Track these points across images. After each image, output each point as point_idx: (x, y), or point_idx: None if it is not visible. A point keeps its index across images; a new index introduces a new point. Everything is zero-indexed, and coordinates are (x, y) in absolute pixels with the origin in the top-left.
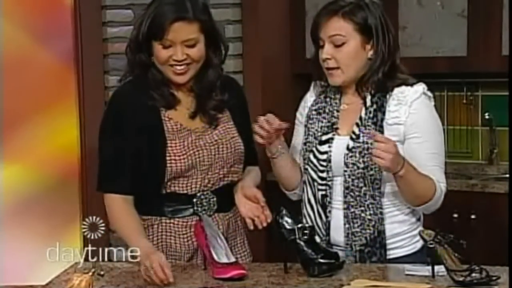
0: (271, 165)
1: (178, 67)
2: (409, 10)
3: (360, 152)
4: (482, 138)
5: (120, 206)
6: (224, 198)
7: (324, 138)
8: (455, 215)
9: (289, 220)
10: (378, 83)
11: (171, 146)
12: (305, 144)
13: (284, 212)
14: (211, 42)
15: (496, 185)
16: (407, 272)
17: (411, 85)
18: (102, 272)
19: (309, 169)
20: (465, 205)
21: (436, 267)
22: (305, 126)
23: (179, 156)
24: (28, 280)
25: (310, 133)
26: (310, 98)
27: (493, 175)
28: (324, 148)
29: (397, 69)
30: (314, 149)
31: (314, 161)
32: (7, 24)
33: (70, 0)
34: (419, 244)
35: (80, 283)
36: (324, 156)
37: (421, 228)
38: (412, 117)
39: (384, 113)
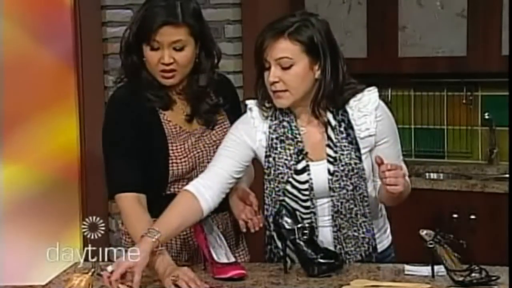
0: None
1: (165, 70)
2: (409, 10)
3: (346, 175)
4: (481, 138)
5: (135, 208)
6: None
7: (299, 167)
8: (455, 215)
9: (289, 220)
10: (334, 100)
11: (172, 149)
12: (276, 175)
13: (283, 212)
14: (202, 47)
15: (495, 185)
16: (407, 272)
17: (362, 90)
18: (102, 272)
19: (288, 200)
20: (465, 205)
21: (436, 267)
22: (268, 156)
23: (180, 159)
24: (28, 280)
25: (279, 163)
26: (261, 122)
27: (492, 175)
28: (303, 177)
29: (345, 83)
30: (291, 179)
31: (294, 192)
32: (7, 24)
33: (70, 0)
34: (390, 238)
35: (80, 283)
36: (306, 186)
37: (387, 224)
38: (379, 125)
39: (353, 128)
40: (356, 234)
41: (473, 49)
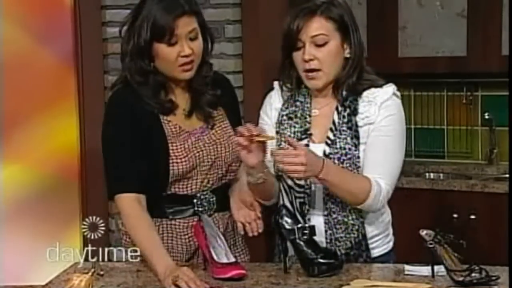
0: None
1: (186, 63)
2: (409, 10)
3: (338, 158)
4: (481, 138)
5: (134, 209)
6: (223, 197)
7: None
8: (455, 215)
9: (289, 220)
10: (351, 85)
11: (172, 149)
12: (279, 150)
13: (283, 212)
14: (204, 36)
15: (495, 185)
16: (407, 272)
17: (380, 86)
18: (102, 272)
19: (285, 176)
20: (465, 205)
21: (436, 267)
22: (277, 132)
23: (180, 158)
24: (28, 280)
25: (283, 139)
26: (277, 99)
27: (492, 175)
28: None
29: (364, 70)
30: None
31: None
32: (7, 24)
33: (70, 0)
34: (391, 243)
35: (80, 283)
36: None
37: (390, 229)
38: (380, 114)
39: (355, 116)
40: (345, 219)
41: (473, 49)
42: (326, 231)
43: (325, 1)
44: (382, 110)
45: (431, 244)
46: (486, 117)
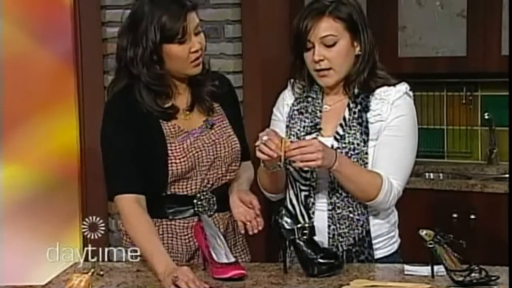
0: (260, 171)
1: (197, 58)
2: (409, 10)
3: (346, 153)
4: (481, 138)
5: (134, 210)
6: (223, 197)
7: (307, 138)
8: (455, 215)
9: (289, 220)
10: (362, 82)
11: (171, 149)
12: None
13: (283, 212)
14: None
15: (495, 185)
16: (406, 272)
17: (394, 85)
18: (101, 272)
19: (291, 169)
20: (465, 205)
21: (436, 267)
22: (287, 126)
23: (179, 158)
24: (28, 280)
25: (292, 133)
26: (289, 96)
27: (492, 175)
28: None
29: (377, 67)
30: None
31: None
32: (7, 24)
33: (70, 0)
34: (396, 245)
35: (79, 283)
36: None
37: (396, 230)
38: (392, 113)
39: (366, 112)
40: (351, 215)
41: (473, 49)
42: (329, 226)
43: (333, 0)
44: (394, 108)
45: (430, 244)
46: (486, 117)
